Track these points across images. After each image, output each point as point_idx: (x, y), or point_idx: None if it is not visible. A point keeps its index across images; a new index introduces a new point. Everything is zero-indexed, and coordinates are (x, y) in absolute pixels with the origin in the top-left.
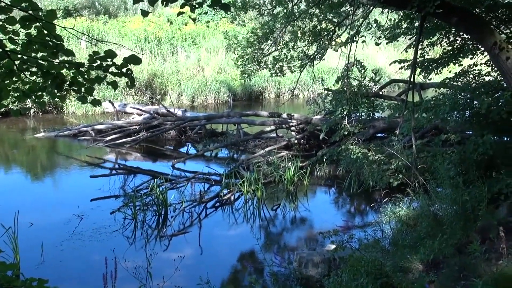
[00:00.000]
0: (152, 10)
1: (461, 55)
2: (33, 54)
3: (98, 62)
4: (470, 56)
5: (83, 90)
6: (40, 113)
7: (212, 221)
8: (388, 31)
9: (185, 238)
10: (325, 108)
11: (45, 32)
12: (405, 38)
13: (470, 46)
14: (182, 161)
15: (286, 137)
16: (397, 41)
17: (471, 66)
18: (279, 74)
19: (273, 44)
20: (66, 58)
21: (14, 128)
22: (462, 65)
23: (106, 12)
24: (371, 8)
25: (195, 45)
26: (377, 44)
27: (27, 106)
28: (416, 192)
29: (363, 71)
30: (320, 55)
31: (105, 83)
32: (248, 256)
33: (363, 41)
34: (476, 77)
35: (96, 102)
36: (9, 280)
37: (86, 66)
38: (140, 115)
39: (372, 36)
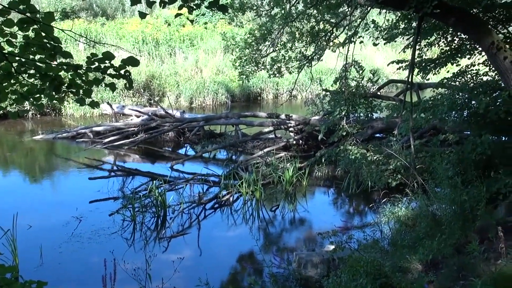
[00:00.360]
0: (150, 11)
1: (459, 55)
2: (31, 56)
3: (96, 64)
4: (468, 56)
5: (81, 92)
6: (38, 115)
7: (211, 223)
8: (386, 32)
9: (184, 240)
10: (324, 108)
11: (43, 34)
12: (403, 38)
13: (468, 46)
14: (180, 162)
15: (284, 138)
16: (395, 41)
17: (469, 66)
18: (277, 75)
19: (271, 45)
20: (64, 60)
21: (12, 131)
22: (460, 65)
23: (103, 14)
24: (369, 8)
25: (193, 46)
26: (375, 44)
27: (25, 108)
28: (414, 192)
29: (361, 71)
30: (318, 56)
31: (103, 85)
32: (247, 257)
33: (361, 42)
34: (474, 77)
35: (94, 104)
36: (8, 282)
37: (84, 68)
38: (138, 116)
39: (370, 37)
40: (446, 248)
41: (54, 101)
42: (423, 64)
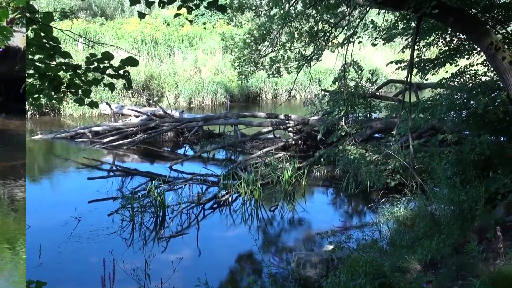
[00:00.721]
0: (149, 12)
1: (458, 55)
2: (30, 56)
3: (95, 64)
4: (467, 56)
5: (80, 92)
6: (37, 115)
7: (210, 223)
8: (384, 32)
9: (183, 240)
10: (322, 109)
11: (42, 34)
12: (402, 38)
13: (467, 46)
14: (179, 162)
15: (283, 138)
16: (394, 41)
17: (468, 66)
18: (276, 75)
19: (270, 45)
20: (63, 60)
21: None
22: (458, 65)
23: (102, 14)
24: (368, 9)
25: (192, 46)
26: (373, 44)
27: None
28: (413, 192)
29: (360, 71)
30: (317, 56)
31: (102, 85)
32: (246, 257)
33: (360, 42)
34: (473, 77)
35: (93, 104)
36: None
37: (83, 68)
38: (137, 116)
39: (369, 37)
40: (445, 248)
41: (53, 101)
42: (422, 64)
